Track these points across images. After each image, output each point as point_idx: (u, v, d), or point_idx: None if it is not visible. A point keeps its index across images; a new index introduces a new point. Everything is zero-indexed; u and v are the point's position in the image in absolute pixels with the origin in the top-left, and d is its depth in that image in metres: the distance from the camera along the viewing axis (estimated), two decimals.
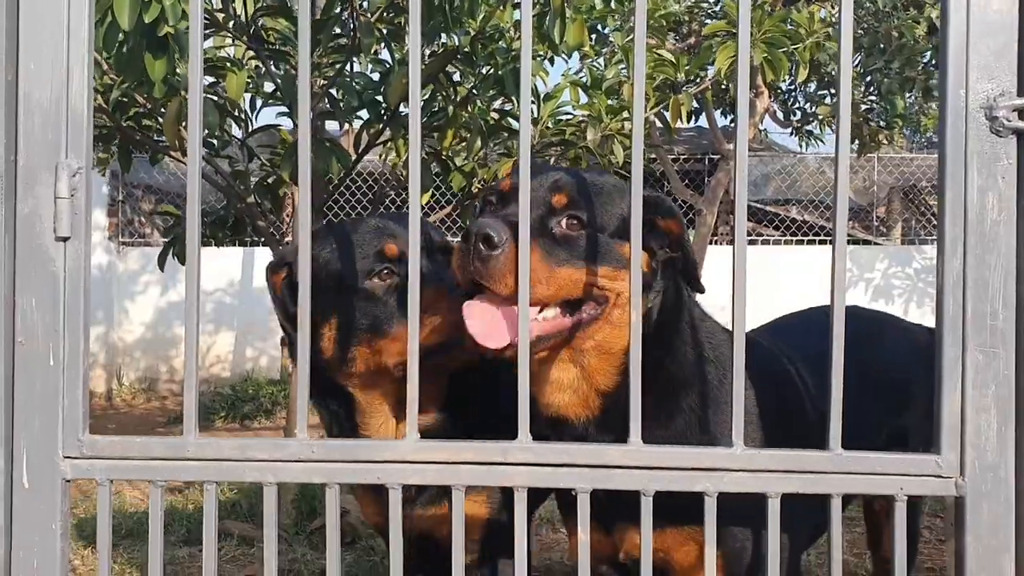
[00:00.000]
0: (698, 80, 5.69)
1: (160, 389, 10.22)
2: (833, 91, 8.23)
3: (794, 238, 11.88)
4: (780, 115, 9.66)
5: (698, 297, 2.01)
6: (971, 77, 1.39)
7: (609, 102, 4.60)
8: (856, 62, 7.92)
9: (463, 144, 4.34)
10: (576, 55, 4.94)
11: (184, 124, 3.55)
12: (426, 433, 2.05)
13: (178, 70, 3.34)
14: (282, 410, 8.31)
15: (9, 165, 1.44)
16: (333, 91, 3.93)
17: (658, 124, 5.73)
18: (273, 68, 3.84)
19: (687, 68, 4.98)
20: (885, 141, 9.41)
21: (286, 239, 6.35)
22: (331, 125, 4.64)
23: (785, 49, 4.96)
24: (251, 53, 3.91)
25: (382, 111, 3.90)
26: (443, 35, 4.13)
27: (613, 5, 4.75)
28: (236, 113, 4.16)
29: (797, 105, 9.31)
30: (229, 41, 3.93)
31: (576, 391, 1.80)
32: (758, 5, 5.39)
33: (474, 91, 4.22)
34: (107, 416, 9.03)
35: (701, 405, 1.87)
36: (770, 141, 12.96)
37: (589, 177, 1.82)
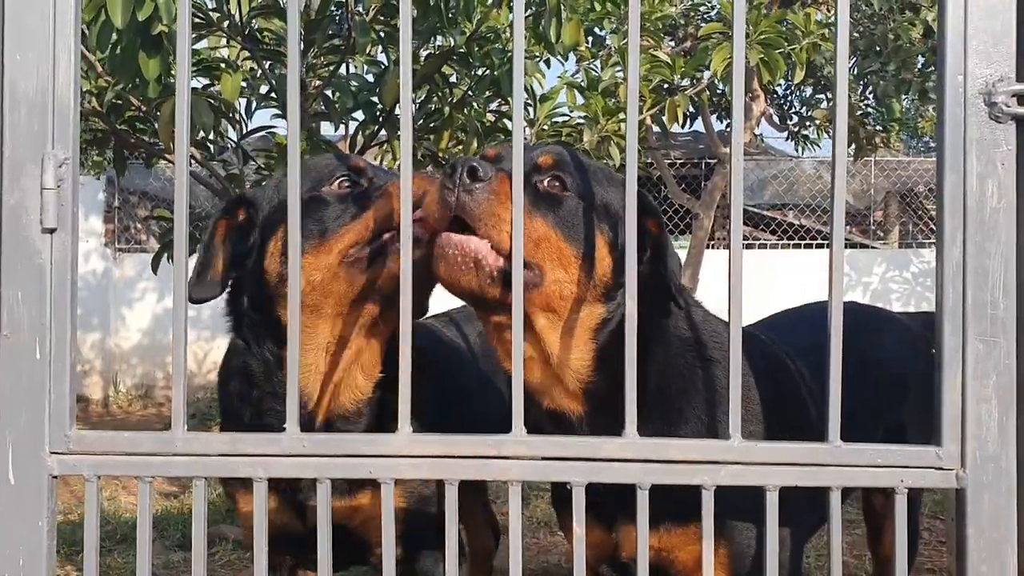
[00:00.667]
0: (694, 82, 5.68)
1: (157, 396, 10.18)
2: (830, 95, 8.23)
3: (791, 242, 11.87)
4: (776, 119, 9.67)
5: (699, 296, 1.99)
6: (970, 63, 1.38)
7: (606, 103, 4.59)
8: (852, 65, 7.92)
9: (459, 146, 4.33)
10: (573, 57, 4.93)
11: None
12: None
13: (172, 70, 3.32)
14: None
15: None
16: (328, 92, 3.92)
17: (655, 127, 5.73)
18: (268, 69, 3.82)
19: (683, 70, 4.97)
20: (882, 144, 9.42)
21: None
22: (329, 128, 4.62)
23: (781, 50, 4.95)
24: (246, 54, 3.89)
25: (378, 112, 3.89)
26: (439, 36, 4.12)
27: (609, 7, 4.75)
28: (231, 114, 4.15)
29: (793, 109, 9.32)
30: (224, 42, 3.92)
31: (543, 373, 1.75)
32: (754, 6, 5.37)
33: (470, 92, 4.20)
34: (103, 423, 9.01)
35: (707, 411, 1.84)
36: (767, 145, 12.97)
37: (581, 157, 1.82)
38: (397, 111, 3.83)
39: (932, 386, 1.42)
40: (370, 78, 4.05)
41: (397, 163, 4.56)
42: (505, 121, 4.36)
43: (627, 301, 1.42)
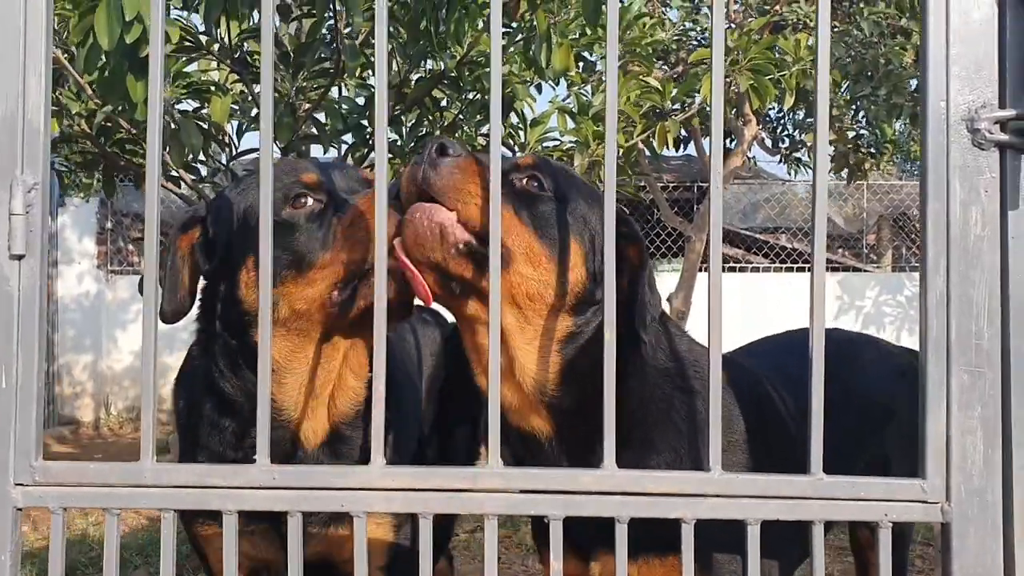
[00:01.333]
0: (685, 107, 5.69)
1: None
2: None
3: (783, 266, 11.87)
4: (768, 143, 9.70)
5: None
6: (952, 89, 1.36)
7: (596, 128, 4.59)
8: (844, 89, 7.95)
9: None
10: (564, 82, 4.93)
11: (168, 149, 3.55)
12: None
13: (164, 92, 3.31)
14: None
15: None
16: (319, 115, 3.91)
17: (646, 152, 5.72)
18: (258, 93, 3.81)
19: (673, 95, 4.97)
20: (874, 168, 9.43)
21: None
22: (319, 150, 4.61)
23: (772, 76, 4.96)
24: (235, 77, 3.88)
25: (368, 135, 3.88)
26: (429, 60, 4.11)
27: (601, 33, 4.75)
28: (220, 137, 4.14)
29: (785, 133, 9.35)
30: (214, 65, 3.91)
31: (506, 379, 1.70)
32: (745, 33, 5.39)
33: (461, 116, 4.20)
34: (94, 445, 8.94)
35: (685, 442, 1.81)
36: (759, 169, 12.98)
37: (569, 169, 1.82)
38: (391, 135, 3.82)
39: (916, 417, 1.39)
40: (360, 101, 4.04)
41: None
42: None
43: (606, 329, 1.40)
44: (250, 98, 3.97)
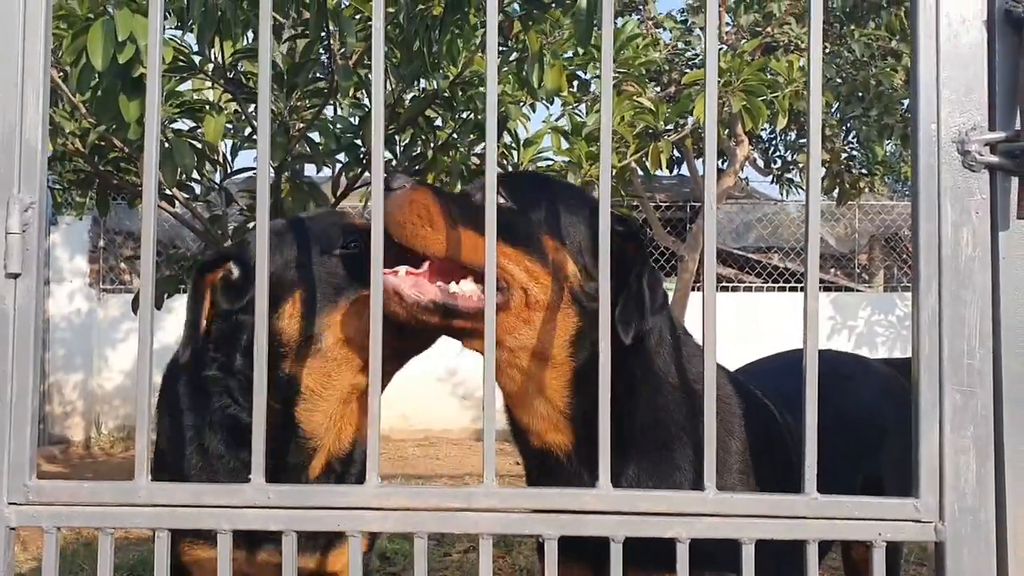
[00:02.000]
0: (678, 128, 5.72)
1: None
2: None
3: (776, 285, 11.90)
4: (761, 163, 9.75)
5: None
6: (943, 111, 1.37)
7: (589, 148, 4.61)
8: (835, 110, 8.00)
9: (444, 188, 4.33)
10: (558, 102, 4.95)
11: (162, 166, 3.56)
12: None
13: None
14: None
15: None
16: (312, 134, 3.92)
17: (639, 172, 5.75)
18: (252, 112, 3.82)
19: (667, 116, 5.00)
20: (866, 189, 9.48)
21: None
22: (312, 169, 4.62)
23: (764, 97, 4.99)
24: (229, 96, 3.89)
25: (361, 154, 3.89)
26: (423, 80, 4.13)
27: (595, 53, 4.78)
28: (214, 156, 4.14)
29: (777, 153, 9.40)
30: (208, 84, 3.92)
31: (527, 403, 1.74)
32: (737, 54, 5.43)
33: (454, 136, 4.21)
34: (84, 465, 8.88)
35: (694, 460, 1.79)
36: (751, 189, 13.04)
37: (553, 178, 1.82)
38: (385, 154, 3.83)
39: (909, 436, 1.40)
40: (354, 120, 4.05)
41: None
42: None
43: (600, 340, 1.40)
44: (243, 117, 3.98)
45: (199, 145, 3.83)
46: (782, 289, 11.64)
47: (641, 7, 8.38)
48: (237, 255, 2.01)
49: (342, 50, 3.76)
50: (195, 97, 3.90)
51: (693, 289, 8.24)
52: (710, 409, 1.39)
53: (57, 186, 5.06)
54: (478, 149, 4.39)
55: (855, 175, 8.90)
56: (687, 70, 7.41)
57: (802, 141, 8.81)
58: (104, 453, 9.70)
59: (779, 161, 9.44)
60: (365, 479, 1.39)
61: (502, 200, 1.70)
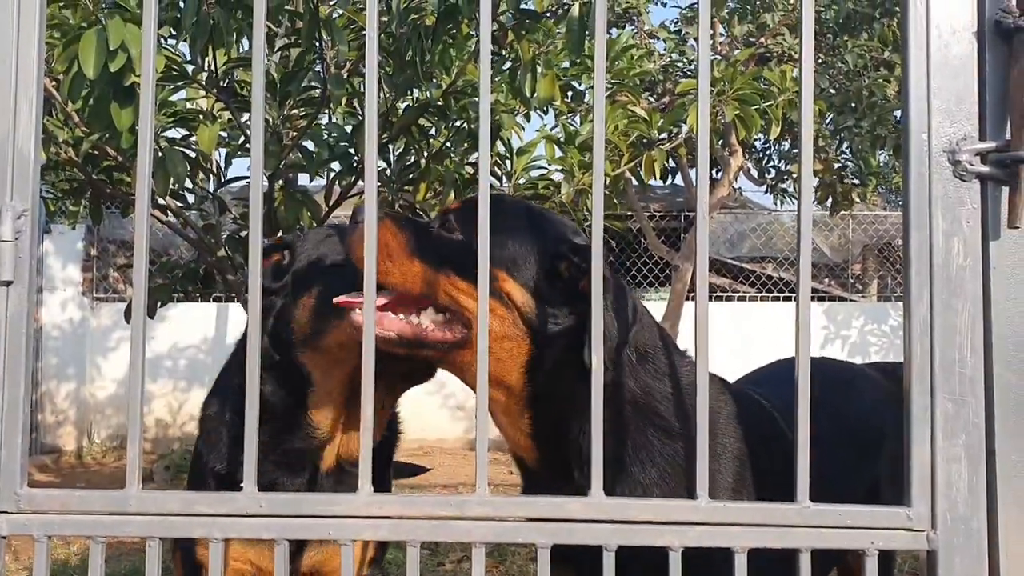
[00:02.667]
0: (671, 137, 5.73)
1: None
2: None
3: (770, 295, 11.92)
4: (754, 173, 9.77)
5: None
6: (933, 121, 1.38)
7: (582, 157, 4.62)
8: (828, 120, 8.03)
9: (437, 197, 4.33)
10: (552, 112, 4.96)
11: (154, 175, 3.55)
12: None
13: None
14: None
15: None
16: (306, 143, 3.92)
17: (633, 181, 5.76)
18: (245, 121, 3.82)
19: (660, 125, 5.01)
20: (859, 199, 9.51)
21: None
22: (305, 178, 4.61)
23: (758, 107, 5.00)
24: (222, 105, 3.89)
25: (354, 163, 3.89)
26: (416, 89, 4.14)
27: (589, 63, 4.79)
28: (207, 166, 4.14)
29: (771, 163, 9.42)
30: (201, 93, 3.92)
31: (499, 422, 1.79)
32: (731, 64, 5.44)
33: (447, 145, 4.22)
34: (76, 474, 8.84)
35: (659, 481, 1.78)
36: (745, 199, 13.07)
37: (509, 201, 1.88)
38: (378, 164, 3.83)
39: (901, 444, 1.40)
40: (347, 129, 4.05)
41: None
42: None
43: (592, 356, 1.40)
44: (237, 126, 3.98)
45: (192, 154, 3.83)
46: (776, 299, 11.65)
47: (635, 18, 8.41)
48: (290, 244, 2.18)
49: (335, 59, 3.76)
50: (188, 106, 3.89)
51: (687, 299, 8.24)
52: (702, 420, 1.39)
53: (50, 195, 5.05)
54: (471, 158, 4.39)
55: (848, 185, 8.92)
56: (681, 80, 7.44)
57: (795, 151, 8.84)
58: (96, 462, 9.66)
59: (773, 171, 9.47)
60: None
61: (453, 235, 1.75)
